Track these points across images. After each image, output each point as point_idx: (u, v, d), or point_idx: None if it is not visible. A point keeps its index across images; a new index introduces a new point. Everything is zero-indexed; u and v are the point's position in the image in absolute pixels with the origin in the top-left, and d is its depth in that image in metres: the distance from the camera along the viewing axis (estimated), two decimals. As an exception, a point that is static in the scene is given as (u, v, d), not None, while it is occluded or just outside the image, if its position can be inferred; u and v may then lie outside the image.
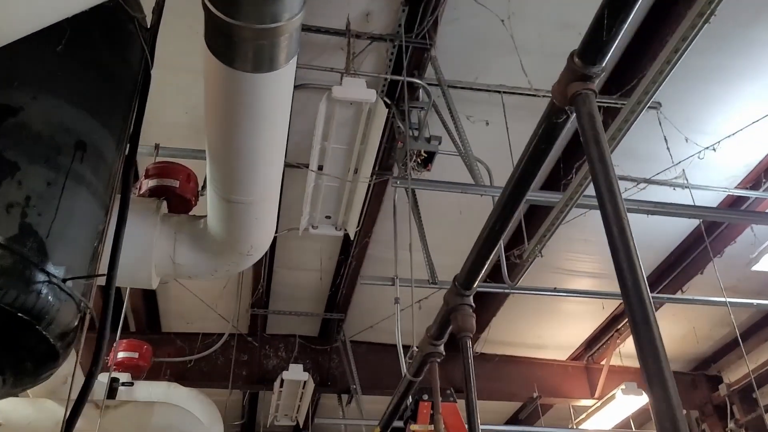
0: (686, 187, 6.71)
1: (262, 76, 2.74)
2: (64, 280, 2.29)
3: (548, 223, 4.52)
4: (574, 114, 1.93)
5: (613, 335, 9.80)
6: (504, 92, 5.70)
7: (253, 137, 2.97)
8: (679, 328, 9.63)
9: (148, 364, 5.96)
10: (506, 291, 6.03)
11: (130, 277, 3.70)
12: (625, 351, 9.92)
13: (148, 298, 8.46)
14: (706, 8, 3.09)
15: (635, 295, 1.54)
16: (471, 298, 2.80)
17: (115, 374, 5.39)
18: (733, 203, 7.51)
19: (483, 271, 2.63)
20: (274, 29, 2.53)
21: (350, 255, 7.50)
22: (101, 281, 2.70)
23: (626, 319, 8.95)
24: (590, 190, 4.22)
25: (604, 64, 1.84)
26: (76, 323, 2.42)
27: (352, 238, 6.32)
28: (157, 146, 5.51)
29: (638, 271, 1.58)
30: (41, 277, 2.21)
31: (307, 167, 5.05)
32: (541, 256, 4.73)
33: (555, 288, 6.29)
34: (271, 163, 3.21)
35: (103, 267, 2.70)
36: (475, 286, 2.73)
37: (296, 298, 8.68)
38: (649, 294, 1.54)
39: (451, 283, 2.87)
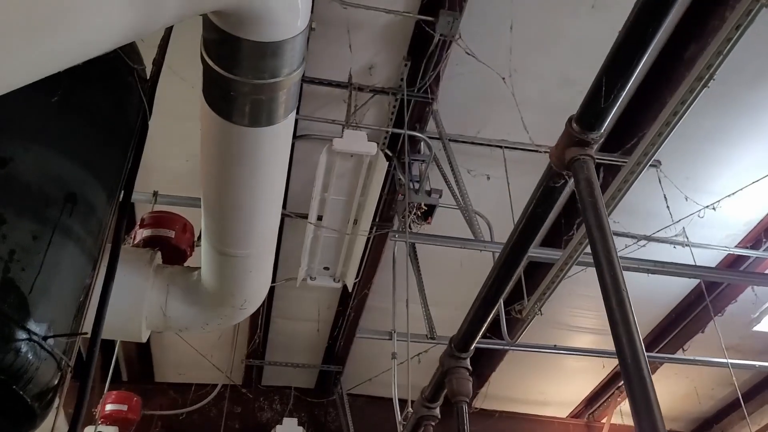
0: (686, 245, 6.65)
1: (259, 131, 2.71)
2: (45, 338, 2.22)
3: (548, 280, 4.45)
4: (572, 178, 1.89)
5: (613, 393, 9.61)
6: (505, 147, 5.70)
7: (250, 191, 2.93)
8: (681, 387, 9.44)
9: (137, 416, 5.81)
10: (505, 348, 5.91)
11: (120, 330, 3.62)
12: (626, 409, 9.69)
13: (141, 347, 8.31)
14: (705, 72, 3.08)
15: (635, 373, 1.48)
16: (468, 360, 2.71)
17: (101, 428, 5.25)
18: (733, 262, 7.45)
19: (480, 333, 2.55)
20: (272, 84, 2.52)
21: (349, 306, 7.40)
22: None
23: (628, 378, 8.81)
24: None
25: (602, 130, 1.80)
26: (56, 382, 2.33)
27: (350, 290, 6.23)
28: (155, 194, 5.47)
29: (638, 343, 1.52)
30: (21, 334, 2.14)
31: (307, 218, 5.00)
32: (541, 314, 4.65)
33: (555, 345, 6.17)
34: (268, 216, 3.17)
35: (89, 321, 2.64)
36: (472, 348, 2.65)
37: (293, 348, 8.53)
38: (646, 357, 1.49)
39: (447, 344, 2.79)
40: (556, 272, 4.25)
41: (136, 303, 3.57)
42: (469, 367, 2.72)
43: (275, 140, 2.83)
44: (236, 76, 2.46)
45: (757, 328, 7.47)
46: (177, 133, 5.78)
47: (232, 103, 2.61)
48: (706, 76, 2.95)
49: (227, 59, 2.43)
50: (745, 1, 2.70)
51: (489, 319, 2.53)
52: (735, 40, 2.83)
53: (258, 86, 2.51)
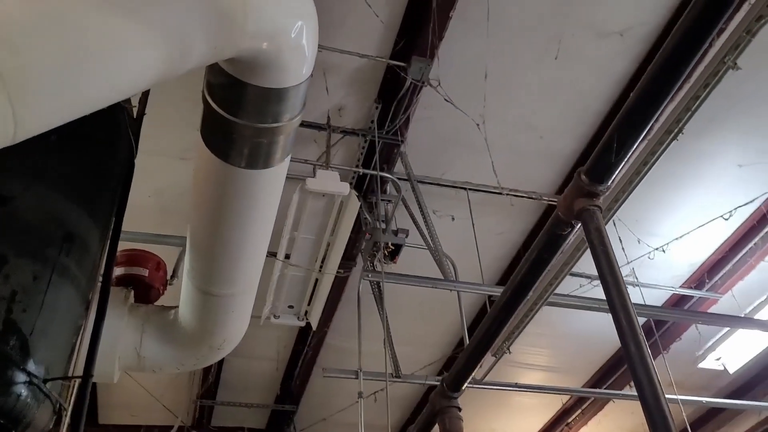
0: (636, 285, 6.94)
1: (256, 173, 2.75)
2: (45, 381, 2.17)
3: (518, 320, 4.57)
4: (578, 226, 2.00)
5: (563, 429, 9.77)
6: (470, 189, 5.85)
7: (241, 232, 2.94)
8: (627, 423, 9.68)
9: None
10: (472, 386, 5.98)
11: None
12: (576, 446, 9.89)
13: (86, 386, 7.99)
14: (674, 126, 3.28)
15: (657, 413, 1.57)
16: (458, 400, 2.77)
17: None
18: (678, 301, 7.78)
19: (473, 373, 2.62)
20: (274, 129, 2.57)
21: (307, 344, 7.35)
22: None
23: (576, 413, 8.91)
24: (559, 288, 4.31)
25: (610, 183, 1.92)
26: (51, 425, 2.28)
27: (314, 329, 6.21)
28: (118, 230, 5.36)
29: (657, 384, 1.61)
30: (22, 377, 2.09)
31: (275, 256, 5.00)
32: (509, 353, 4.76)
33: (516, 383, 6.28)
34: (255, 256, 3.18)
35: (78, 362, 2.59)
36: (463, 388, 2.71)
37: (246, 388, 8.37)
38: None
39: (423, 377, 2.84)
40: (526, 311, 4.38)
41: (111, 343, 3.49)
42: (460, 407, 2.79)
43: (270, 182, 2.87)
44: (240, 120, 2.51)
45: (702, 365, 7.79)
46: (139, 167, 5.70)
47: (232, 145, 2.65)
48: (675, 130, 3.14)
49: (232, 103, 2.48)
50: (713, 62, 2.91)
51: (483, 359, 2.61)
52: (702, 98, 3.04)
53: (260, 130, 2.56)
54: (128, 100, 3.15)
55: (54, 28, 1.57)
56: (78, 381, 2.56)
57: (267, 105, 2.47)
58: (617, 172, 1.90)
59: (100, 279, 2.71)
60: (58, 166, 2.50)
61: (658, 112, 1.73)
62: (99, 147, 2.79)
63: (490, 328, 2.44)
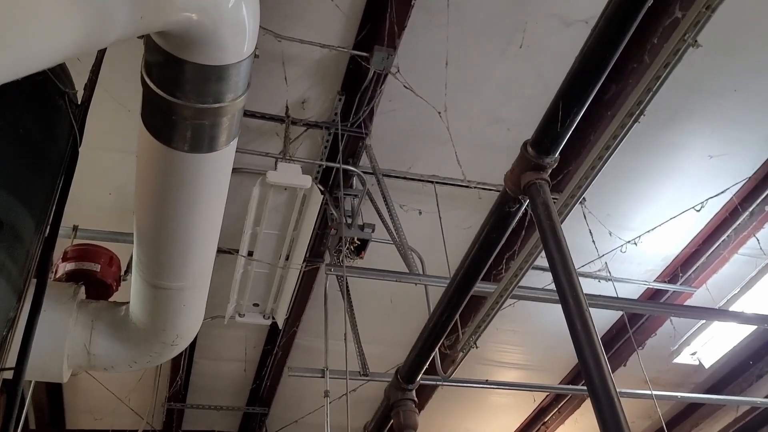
0: (609, 279, 6.89)
1: (200, 157, 2.63)
2: (-35, 375, 2.04)
3: (483, 313, 4.47)
4: (527, 202, 1.91)
5: (540, 428, 9.71)
6: (436, 182, 5.77)
7: (188, 220, 2.82)
8: (604, 421, 9.65)
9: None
10: (439, 383, 5.89)
11: (40, 370, 3.38)
12: (552, 444, 9.83)
13: (52, 391, 7.80)
14: (635, 109, 3.21)
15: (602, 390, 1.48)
16: (414, 392, 2.67)
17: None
18: (652, 296, 7.74)
19: (427, 363, 2.52)
20: (216, 109, 2.45)
21: (277, 344, 7.22)
22: (8, 374, 2.43)
23: (553, 412, 8.87)
24: (524, 281, 4.23)
25: (557, 155, 1.84)
26: (-25, 423, 2.14)
27: (280, 327, 6.09)
28: (75, 228, 5.21)
29: (602, 361, 1.52)
30: (-61, 370, 1.96)
31: (237, 252, 4.88)
32: (476, 347, 4.67)
33: (486, 380, 6.19)
34: (205, 247, 3.06)
35: (11, 358, 2.45)
36: (418, 380, 2.61)
37: (216, 390, 8.22)
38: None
39: (392, 375, 2.74)
40: (492, 304, 4.28)
41: (58, 340, 3.36)
42: (415, 399, 2.69)
43: (216, 167, 2.75)
44: (179, 100, 2.39)
45: (677, 360, 7.77)
46: (99, 164, 5.57)
47: (173, 128, 2.52)
48: (637, 112, 3.07)
49: (170, 82, 2.36)
50: (673, 41, 2.84)
51: (436, 349, 2.51)
52: (663, 78, 2.96)
53: (201, 111, 2.44)
54: (71, 86, 3.01)
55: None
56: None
57: (206, 84, 2.36)
58: (563, 143, 1.81)
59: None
60: (-15, 151, 2.36)
61: (601, 79, 1.66)
62: (34, 133, 2.64)
63: (443, 313, 2.35)
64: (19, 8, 1.58)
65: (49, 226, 2.73)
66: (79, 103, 3.08)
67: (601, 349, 1.50)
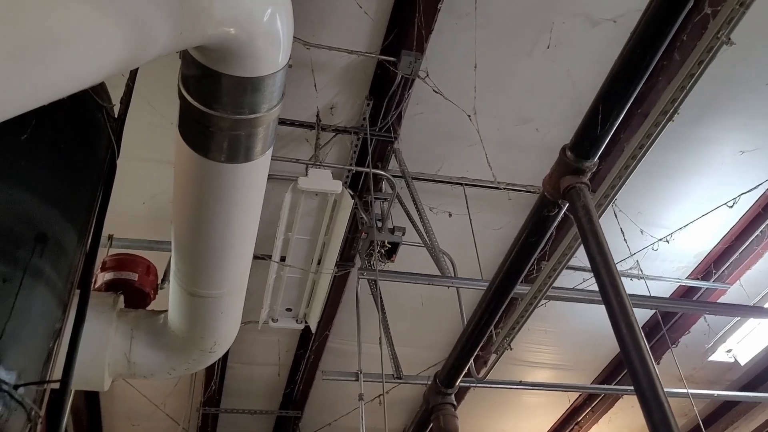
0: (641, 277, 6.81)
1: (236, 167, 2.67)
2: (16, 387, 2.09)
3: (517, 314, 4.45)
4: (566, 206, 1.91)
5: (573, 428, 9.64)
6: (466, 184, 5.76)
7: (225, 229, 2.86)
8: (637, 420, 9.54)
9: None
10: (473, 385, 5.88)
11: (82, 379, 3.44)
12: (586, 444, 9.75)
13: (89, 398, 7.94)
14: (669, 107, 3.18)
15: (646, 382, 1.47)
16: (453, 396, 2.68)
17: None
18: (685, 293, 7.65)
19: (467, 367, 2.53)
20: (252, 120, 2.49)
21: (309, 348, 7.26)
22: (54, 385, 2.49)
23: (586, 411, 8.78)
24: (557, 282, 4.21)
25: (596, 158, 1.83)
26: (26, 434, 2.19)
27: (313, 331, 6.12)
28: (110, 237, 5.29)
29: (649, 365, 1.52)
30: (-8, 383, 2.01)
31: (270, 258, 4.92)
32: (510, 349, 4.64)
33: (521, 381, 6.17)
34: (241, 255, 3.10)
35: (58, 368, 2.50)
36: (457, 383, 2.62)
37: (250, 394, 8.29)
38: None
39: (424, 377, 2.75)
40: (525, 306, 4.27)
41: (99, 349, 3.42)
42: (455, 403, 2.69)
43: (252, 177, 2.78)
44: (216, 112, 2.42)
45: (712, 358, 7.66)
46: (133, 174, 5.66)
47: (210, 139, 2.56)
48: (671, 111, 3.04)
49: (207, 94, 2.39)
50: (707, 38, 2.81)
51: (475, 352, 2.51)
52: (697, 76, 2.93)
53: (237, 122, 2.48)
54: (108, 100, 3.07)
55: (2, 16, 1.49)
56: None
57: (243, 95, 2.39)
58: (603, 147, 1.81)
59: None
60: (29, 167, 2.42)
61: (642, 81, 1.65)
62: (74, 147, 2.70)
63: (481, 317, 2.35)
64: (63, 29, 1.62)
65: (90, 238, 2.78)
66: (116, 116, 3.15)
67: (648, 352, 1.49)
